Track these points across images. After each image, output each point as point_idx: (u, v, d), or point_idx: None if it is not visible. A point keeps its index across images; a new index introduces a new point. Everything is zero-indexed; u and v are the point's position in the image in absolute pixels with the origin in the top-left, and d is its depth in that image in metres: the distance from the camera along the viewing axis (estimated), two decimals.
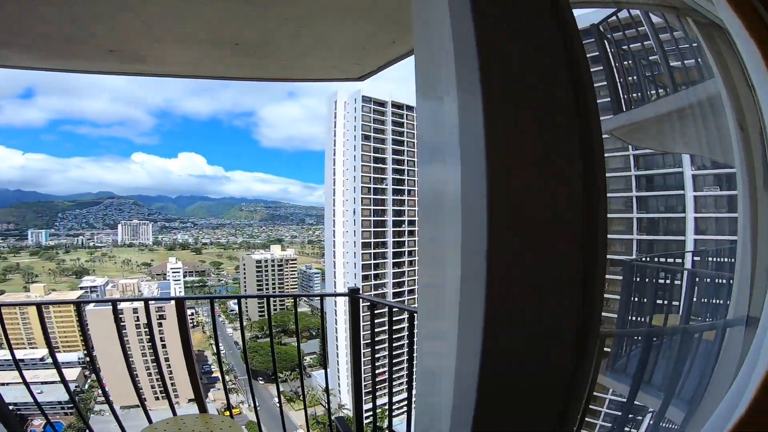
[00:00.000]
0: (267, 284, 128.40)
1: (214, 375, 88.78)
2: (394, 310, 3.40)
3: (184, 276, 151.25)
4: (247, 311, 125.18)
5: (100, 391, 75.45)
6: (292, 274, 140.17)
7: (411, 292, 71.77)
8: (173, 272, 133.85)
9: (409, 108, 73.07)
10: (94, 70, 2.36)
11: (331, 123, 71.73)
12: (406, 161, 71.28)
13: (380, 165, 69.53)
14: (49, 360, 75.21)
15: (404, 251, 70.29)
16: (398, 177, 70.35)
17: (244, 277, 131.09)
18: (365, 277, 67.19)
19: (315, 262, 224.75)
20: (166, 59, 2.13)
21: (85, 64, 2.21)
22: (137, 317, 72.74)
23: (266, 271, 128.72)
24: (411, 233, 71.08)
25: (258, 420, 3.62)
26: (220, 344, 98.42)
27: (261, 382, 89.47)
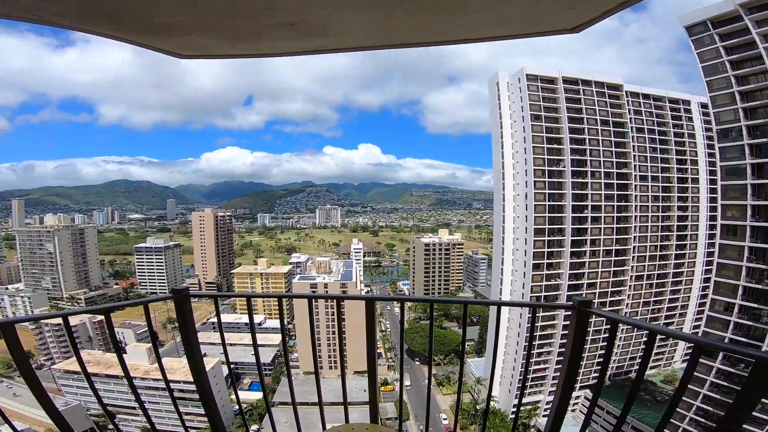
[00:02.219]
0: (434, 267, 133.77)
1: (378, 351, 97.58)
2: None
3: (364, 256, 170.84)
4: (413, 292, 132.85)
5: (292, 356, 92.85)
6: (458, 259, 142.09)
7: (591, 285, 63.10)
8: (355, 252, 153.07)
9: (585, 82, 63.57)
10: (279, 51, 2.44)
11: (495, 105, 68.05)
12: (587, 140, 62.15)
13: (555, 146, 62.48)
14: (266, 324, 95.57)
15: (585, 239, 61.85)
16: (579, 158, 61.87)
17: (413, 259, 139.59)
18: (536, 266, 62.27)
19: (482, 247, 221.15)
20: (347, 29, 2.07)
21: (270, 45, 2.32)
22: (326, 291, 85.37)
23: (434, 254, 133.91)
24: (595, 220, 61.84)
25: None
26: (387, 321, 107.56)
27: (417, 362, 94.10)
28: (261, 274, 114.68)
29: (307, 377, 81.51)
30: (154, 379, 61.72)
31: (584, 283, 63.33)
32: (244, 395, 74.29)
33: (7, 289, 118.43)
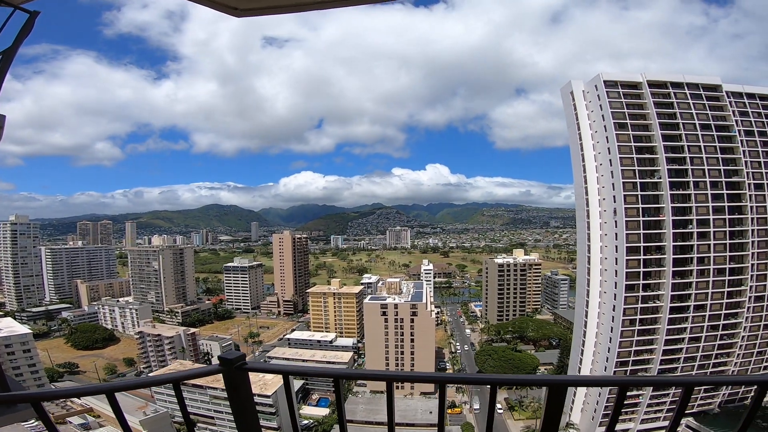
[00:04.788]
0: (508, 288, 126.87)
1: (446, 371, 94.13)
2: None
3: (434, 277, 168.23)
4: (485, 314, 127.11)
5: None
6: (535, 280, 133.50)
7: (698, 308, 54.60)
8: (425, 273, 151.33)
9: (675, 85, 57.18)
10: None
11: (572, 116, 63.91)
12: (686, 147, 55.38)
13: (647, 155, 56.61)
14: (337, 342, 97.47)
15: (691, 257, 54.10)
16: (677, 167, 55.26)
17: (486, 280, 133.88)
18: (629, 287, 55.79)
19: (561, 267, 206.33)
20: None
21: None
22: (397, 312, 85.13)
23: (509, 275, 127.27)
24: (702, 235, 53.93)
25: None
26: (457, 343, 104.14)
27: (488, 386, 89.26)
28: (334, 293, 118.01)
29: (374, 396, 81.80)
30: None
31: (690, 305, 55.60)
32: (312, 411, 76.72)
33: (118, 301, 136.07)
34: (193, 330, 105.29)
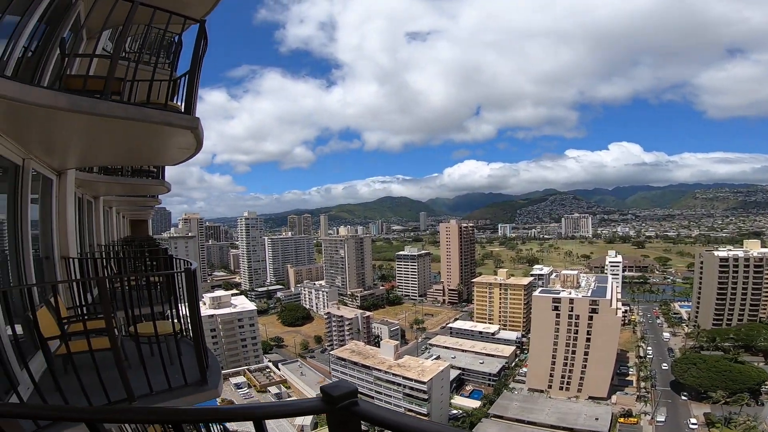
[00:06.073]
0: (734, 289, 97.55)
1: (628, 378, 79.93)
2: None
3: (623, 270, 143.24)
4: (695, 316, 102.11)
5: (521, 371, 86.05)
6: None
7: None
8: (611, 266, 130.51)
9: None
10: None
11: None
12: None
13: None
14: (499, 335, 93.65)
15: None
16: None
17: (700, 277, 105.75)
18: None
19: None
20: None
21: None
22: (572, 307, 76.09)
23: (735, 272, 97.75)
24: None
25: None
26: (648, 347, 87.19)
27: (684, 397, 70.36)
28: (500, 284, 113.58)
29: (531, 394, 76.60)
30: (393, 374, 70.51)
31: None
32: (463, 402, 75.68)
33: (314, 284, 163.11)
34: (368, 313, 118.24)
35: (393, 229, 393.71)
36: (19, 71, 3.76)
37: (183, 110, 4.42)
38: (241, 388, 67.55)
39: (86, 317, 4.36)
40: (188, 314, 4.13)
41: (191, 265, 4.51)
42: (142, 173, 11.21)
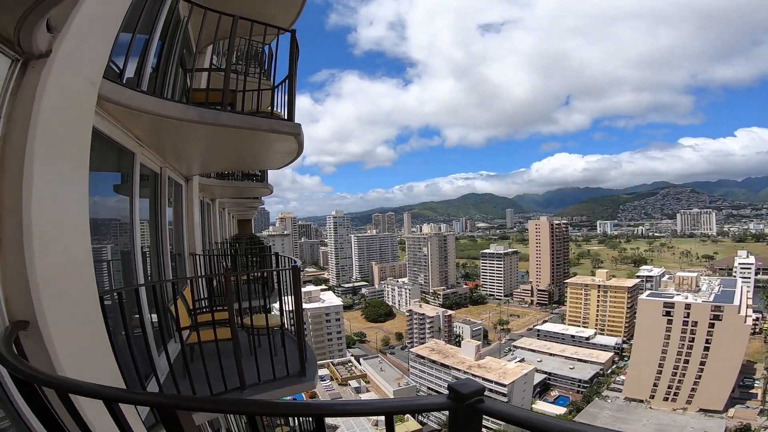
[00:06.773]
0: None
1: (752, 391, 69.65)
2: None
3: (756, 273, 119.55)
4: None
5: (617, 378, 76.89)
6: None
7: None
8: (742, 268, 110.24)
9: None
10: None
11: None
12: None
13: None
14: (594, 340, 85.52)
15: None
16: None
17: None
18: None
19: None
20: None
21: None
22: (688, 313, 66.55)
23: None
24: None
25: None
26: None
27: None
28: (598, 286, 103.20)
29: (627, 404, 69.33)
30: (473, 375, 68.14)
31: None
32: (546, 407, 70.83)
33: (398, 282, 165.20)
34: (450, 312, 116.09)
35: (477, 226, 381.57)
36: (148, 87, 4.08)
37: (286, 117, 4.66)
38: (324, 380, 69.66)
39: (214, 309, 4.85)
40: (294, 309, 4.34)
41: (296, 262, 4.73)
42: (250, 177, 12.35)
